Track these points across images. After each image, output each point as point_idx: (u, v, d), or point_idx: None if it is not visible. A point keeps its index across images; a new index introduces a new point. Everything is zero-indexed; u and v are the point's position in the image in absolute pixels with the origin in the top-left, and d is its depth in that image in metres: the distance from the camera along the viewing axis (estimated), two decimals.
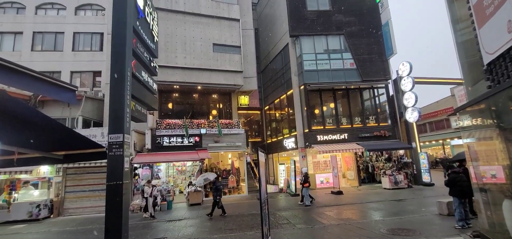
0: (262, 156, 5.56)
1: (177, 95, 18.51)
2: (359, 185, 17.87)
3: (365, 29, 18.89)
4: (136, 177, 15.34)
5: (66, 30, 21.98)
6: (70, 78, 22.06)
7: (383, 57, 18.69)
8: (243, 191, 17.75)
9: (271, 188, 19.61)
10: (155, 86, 6.55)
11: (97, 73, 21.67)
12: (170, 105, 18.65)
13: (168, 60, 16.28)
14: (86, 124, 18.42)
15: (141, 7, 5.53)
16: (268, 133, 23.74)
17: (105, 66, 19.19)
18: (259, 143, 23.97)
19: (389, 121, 18.64)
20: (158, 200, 13.11)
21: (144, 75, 5.73)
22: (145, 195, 12.58)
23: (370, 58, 18.48)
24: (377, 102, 19.17)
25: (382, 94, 19.14)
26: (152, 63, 6.25)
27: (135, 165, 15.31)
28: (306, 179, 13.06)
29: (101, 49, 21.36)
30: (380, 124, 18.50)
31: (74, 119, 17.91)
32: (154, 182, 14.26)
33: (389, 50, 18.55)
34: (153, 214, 12.18)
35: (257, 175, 18.70)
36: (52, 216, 13.98)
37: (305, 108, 18.07)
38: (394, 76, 19.03)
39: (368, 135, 18.02)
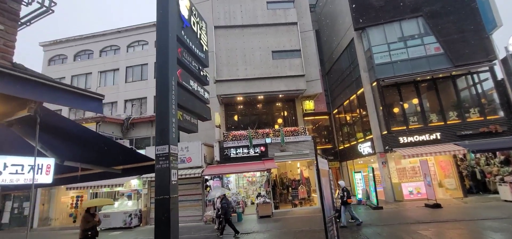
0: (323, 164, 4.62)
1: (241, 107, 18.81)
2: (464, 196, 14.23)
3: (450, 3, 15.46)
4: (208, 188, 15.95)
5: (149, 62, 25.29)
6: (153, 101, 25.09)
7: (482, 33, 14.83)
8: (315, 203, 16.43)
9: None
10: (207, 96, 6.41)
11: None
12: (235, 118, 19.06)
13: (230, 74, 16.72)
14: None
15: (186, 17, 5.48)
16: (340, 138, 21.75)
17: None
18: (330, 150, 22.15)
19: (501, 113, 14.46)
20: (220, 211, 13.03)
21: (193, 84, 5.62)
22: (216, 207, 12.79)
23: (463, 37, 14.91)
24: (480, 90, 15.21)
25: (486, 79, 15.10)
26: (201, 72, 6.14)
27: (206, 177, 15.96)
28: (348, 195, 10.59)
29: None
30: (488, 118, 14.52)
31: (154, 137, 20.10)
32: (217, 193, 14.39)
33: (489, 23, 14.62)
34: (219, 227, 12.22)
35: (333, 186, 17.18)
36: (141, 225, 15.70)
37: (381, 107, 15.72)
38: (501, 55, 14.82)
39: (471, 132, 14.33)
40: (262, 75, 16.71)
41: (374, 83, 16.07)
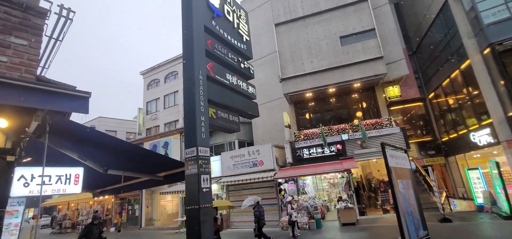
0: (400, 160, 3.22)
1: (313, 103, 17.45)
2: None
3: None
4: (282, 192, 15.25)
5: None
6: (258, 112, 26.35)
7: None
8: None
9: (462, 205, 13.79)
10: (251, 90, 5.73)
11: None
12: (307, 116, 17.83)
13: (295, 70, 15.73)
14: (242, 145, 20.93)
15: (217, 6, 4.99)
16: (442, 128, 17.46)
17: None
18: (430, 144, 18.02)
19: None
20: (295, 218, 11.99)
21: (231, 78, 5.05)
22: (288, 213, 11.95)
23: None
24: None
25: None
26: (242, 64, 5.52)
27: (279, 180, 15.32)
28: None
29: None
30: None
31: (232, 143, 20.88)
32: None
33: None
34: (295, 234, 11.26)
35: (431, 185, 13.69)
36: (222, 229, 16.29)
37: (501, 81, 11.64)
38: None
39: None
40: (331, 65, 15.01)
41: (487, 50, 12.08)
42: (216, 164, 17.62)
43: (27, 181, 2.92)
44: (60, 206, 28.70)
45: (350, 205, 13.27)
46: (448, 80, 15.33)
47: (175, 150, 21.07)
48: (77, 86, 2.81)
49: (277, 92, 18.67)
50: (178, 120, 30.30)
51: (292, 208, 12.49)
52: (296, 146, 15.84)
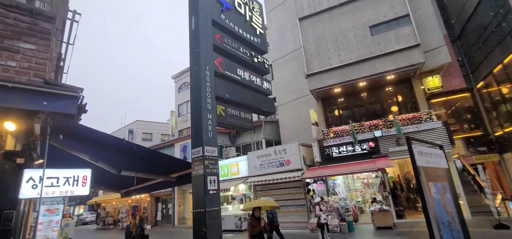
0: (433, 158, 2.70)
1: (342, 99, 16.55)
2: None
3: None
4: (311, 193, 14.66)
5: None
6: (275, 109, 26.28)
7: None
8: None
9: None
10: (266, 85, 5.43)
11: (275, 100, 24.40)
12: (336, 112, 16.96)
13: (322, 65, 15.02)
14: (269, 144, 20.66)
15: None
16: (495, 121, 15.42)
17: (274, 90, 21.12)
18: (481, 138, 16.01)
19: None
20: (325, 220, 11.37)
21: (243, 73, 4.80)
22: (316, 215, 11.40)
23: None
24: None
25: None
26: (256, 59, 5.24)
27: (307, 180, 14.75)
28: None
29: (273, 78, 23.99)
30: None
31: (259, 142, 20.70)
32: (317, 199, 12.75)
33: None
34: (325, 238, 10.67)
35: (482, 186, 12.04)
36: None
37: None
38: None
39: None
40: (360, 57, 14.06)
41: None
42: (243, 164, 17.57)
43: (35, 182, 2.98)
44: (104, 204, 31.04)
45: (385, 207, 12.28)
46: (500, 66, 13.47)
47: None
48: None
49: (304, 89, 18.06)
50: None
51: (321, 210, 11.89)
52: (324, 145, 15.14)
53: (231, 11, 4.88)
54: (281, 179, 14.66)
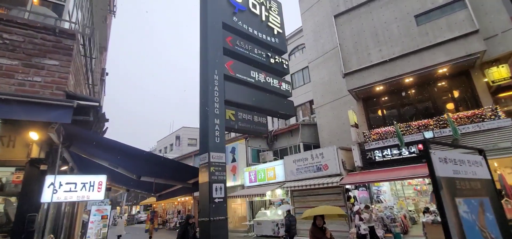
0: (452, 164, 2.15)
1: (385, 98, 15.18)
2: None
3: None
4: (352, 200, 13.66)
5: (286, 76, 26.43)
6: (295, 112, 25.86)
7: None
8: None
9: None
10: (285, 87, 5.15)
11: (312, 102, 23.69)
12: (379, 112, 15.61)
13: (360, 62, 13.99)
14: (308, 148, 20.04)
15: (239, 0, 4.66)
16: None
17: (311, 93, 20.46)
18: None
19: None
20: (365, 231, 10.42)
21: (257, 75, 4.61)
22: (355, 225, 10.53)
23: None
24: None
25: None
26: (272, 59, 5.00)
27: (347, 186, 13.79)
28: None
29: (310, 80, 23.31)
30: None
31: (296, 146, 20.19)
32: (356, 207, 11.74)
33: None
34: None
35: None
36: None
37: None
38: None
39: None
40: (405, 50, 12.71)
41: None
42: (279, 169, 17.27)
43: (55, 188, 3.23)
44: (154, 205, 33.49)
45: (439, 219, 10.75)
46: None
47: (242, 154, 21.70)
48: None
49: (343, 89, 17.08)
50: None
51: (361, 219, 10.94)
52: (365, 148, 14.02)
53: (245, 12, 4.76)
54: (319, 184, 13.97)
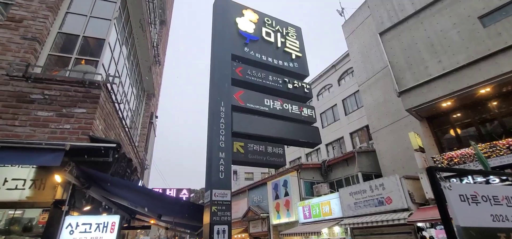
0: (472, 190, 1.44)
1: (457, 114, 12.85)
2: None
3: None
4: None
5: (337, 101, 25.35)
6: (350, 139, 24.12)
7: None
8: None
9: None
10: (307, 112, 4.71)
11: (368, 127, 21.83)
12: (451, 132, 13.21)
13: (417, 77, 12.38)
14: (368, 178, 18.04)
15: (251, 31, 4.65)
16: None
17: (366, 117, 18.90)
18: None
19: None
20: None
21: (272, 103, 4.34)
22: None
23: None
24: None
25: None
26: (291, 85, 4.69)
27: (419, 224, 11.56)
28: None
29: (361, 103, 21.73)
30: None
31: (353, 176, 18.37)
32: None
33: None
34: None
35: None
36: None
37: None
38: None
39: None
40: (472, 57, 10.77)
41: None
42: (335, 202, 15.77)
43: (72, 228, 3.43)
44: None
45: None
46: None
47: (294, 188, 20.73)
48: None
49: (401, 109, 15.25)
50: (300, 157, 30.36)
51: None
52: (437, 175, 11.74)
53: (257, 41, 4.69)
54: (382, 221, 12.09)
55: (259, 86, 4.52)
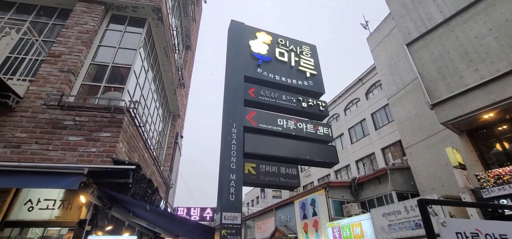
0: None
1: (503, 127, 11.63)
2: None
3: None
4: None
5: (366, 116, 24.43)
6: (382, 155, 22.88)
7: None
8: None
9: None
10: (324, 131, 4.59)
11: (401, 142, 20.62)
12: (497, 146, 11.93)
13: (451, 88, 11.52)
14: (403, 197, 16.83)
15: (264, 52, 4.73)
16: None
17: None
18: None
19: None
20: None
21: (286, 123, 4.29)
22: None
23: None
24: None
25: None
26: (305, 103, 4.63)
27: None
28: None
29: (392, 118, 20.68)
30: None
31: (386, 196, 17.23)
32: None
33: None
34: None
35: None
36: None
37: None
38: None
39: None
40: None
41: None
42: (367, 224, 14.81)
43: None
44: None
45: None
46: None
47: (323, 207, 19.92)
48: None
49: (437, 122, 14.21)
50: (329, 174, 29.32)
51: None
52: (484, 196, 10.59)
53: (270, 62, 4.75)
54: None
55: (272, 106, 4.53)
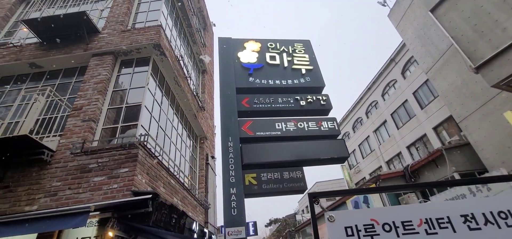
0: None
1: None
2: None
3: None
4: None
5: (407, 96, 22.62)
6: (436, 135, 20.94)
7: None
8: None
9: None
10: (328, 125, 4.36)
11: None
12: None
13: (496, 44, 10.03)
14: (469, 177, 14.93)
15: (254, 60, 4.76)
16: None
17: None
18: None
19: None
20: None
21: (285, 125, 4.18)
22: None
23: None
24: None
25: None
26: (303, 101, 4.47)
27: None
28: None
29: (437, 93, 18.73)
30: None
31: (448, 179, 15.45)
32: None
33: None
34: None
35: None
36: None
37: None
38: None
39: None
40: None
41: None
42: None
43: None
44: None
45: None
46: None
47: (377, 202, 18.55)
48: None
49: (489, 87, 12.47)
50: (381, 166, 27.46)
51: None
52: None
53: (262, 68, 4.73)
54: None
55: (269, 111, 4.47)
